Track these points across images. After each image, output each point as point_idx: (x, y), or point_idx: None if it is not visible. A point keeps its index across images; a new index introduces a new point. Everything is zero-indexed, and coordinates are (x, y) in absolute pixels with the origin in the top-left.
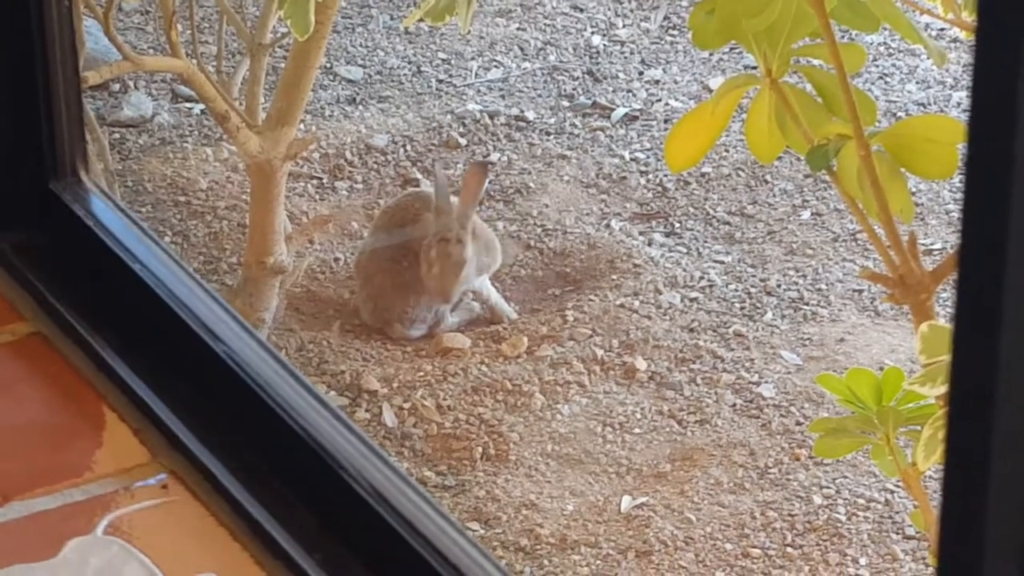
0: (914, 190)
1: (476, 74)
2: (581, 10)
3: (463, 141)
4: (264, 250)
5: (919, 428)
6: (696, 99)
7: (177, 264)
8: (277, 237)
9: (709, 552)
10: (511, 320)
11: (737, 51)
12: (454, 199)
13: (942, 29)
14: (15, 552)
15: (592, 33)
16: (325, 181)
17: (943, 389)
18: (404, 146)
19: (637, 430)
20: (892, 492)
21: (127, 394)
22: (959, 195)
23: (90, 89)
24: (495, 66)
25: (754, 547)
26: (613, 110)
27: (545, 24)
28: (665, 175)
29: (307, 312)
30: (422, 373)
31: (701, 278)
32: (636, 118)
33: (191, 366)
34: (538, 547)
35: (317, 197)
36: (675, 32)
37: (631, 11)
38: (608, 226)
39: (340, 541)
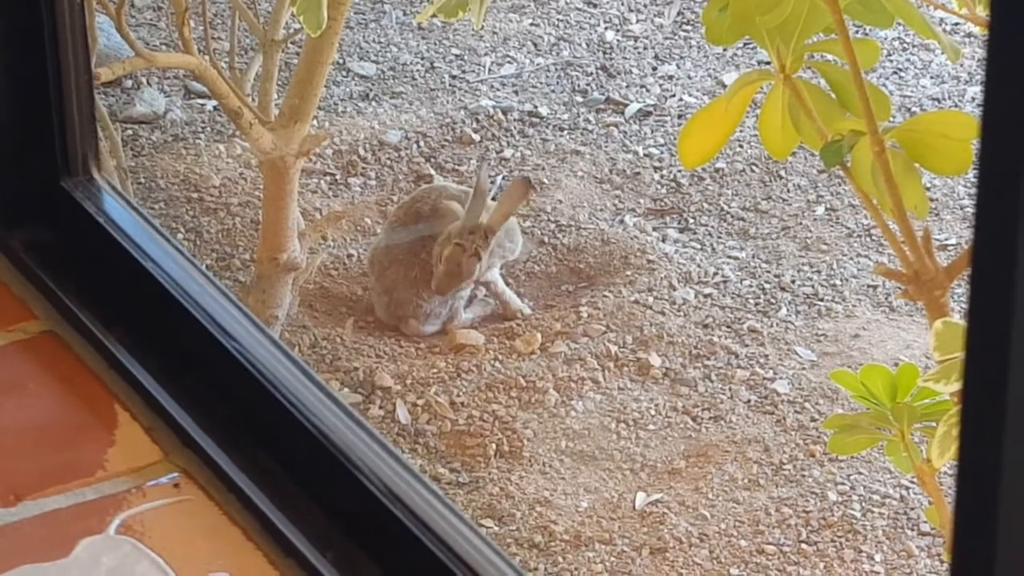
0: (929, 185)
1: (489, 70)
2: (594, 5)
3: (476, 137)
4: (277, 247)
5: (934, 424)
6: (710, 94)
7: (189, 262)
8: (290, 234)
9: (724, 548)
10: (525, 316)
11: (751, 46)
12: (491, 203)
13: (956, 24)
14: (27, 552)
15: (605, 28)
16: (338, 177)
17: (957, 386)
18: (417, 142)
19: (651, 426)
20: (907, 488)
21: (139, 392)
22: (974, 188)
23: (103, 86)
24: (508, 62)
25: (769, 543)
26: (627, 105)
27: (558, 19)
28: (679, 171)
29: (320, 309)
30: (436, 370)
31: (715, 274)
32: (650, 113)
33: (203, 364)
34: (552, 544)
35: (330, 193)
36: (689, 27)
37: (644, 6)
38: (622, 222)
39: (352, 539)
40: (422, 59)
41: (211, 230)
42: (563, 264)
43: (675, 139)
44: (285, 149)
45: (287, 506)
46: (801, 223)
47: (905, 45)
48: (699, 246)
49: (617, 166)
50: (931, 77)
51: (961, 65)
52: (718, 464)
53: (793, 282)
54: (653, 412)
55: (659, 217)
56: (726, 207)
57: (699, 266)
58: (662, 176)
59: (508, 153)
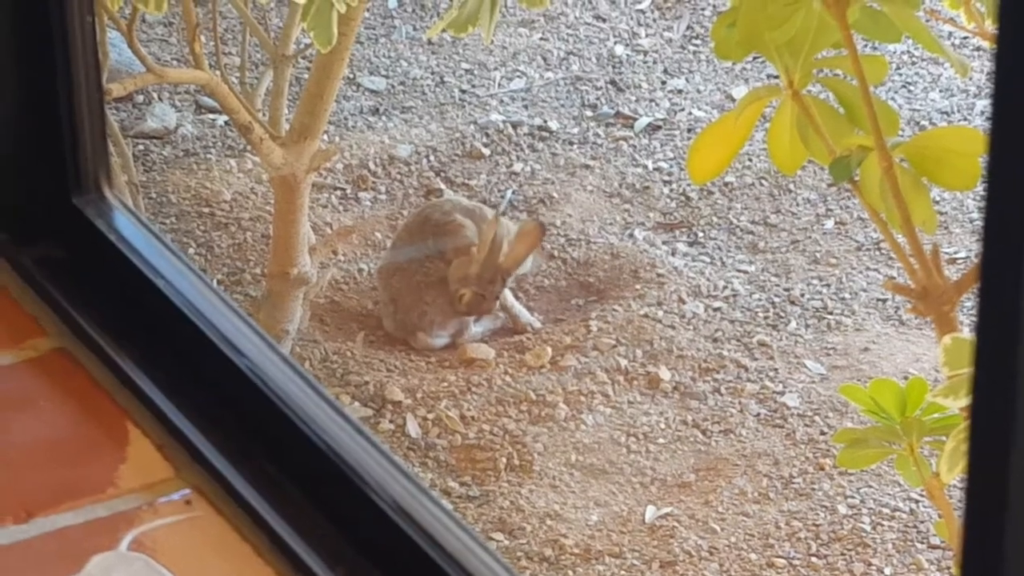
0: (938, 198)
1: (499, 84)
2: (604, 20)
3: (486, 151)
4: (288, 261)
5: (943, 439)
6: (719, 108)
7: (200, 279)
8: (301, 248)
9: (734, 562)
10: (535, 330)
11: (760, 60)
12: (505, 247)
13: (965, 38)
14: (38, 569)
15: (615, 43)
16: (348, 192)
17: (966, 401)
18: (427, 156)
19: (661, 440)
20: (917, 502)
21: (150, 409)
22: (982, 204)
23: (114, 101)
24: (518, 76)
25: (779, 557)
26: (636, 120)
27: (568, 34)
28: (688, 184)
29: (331, 323)
30: (446, 384)
31: (725, 288)
32: (659, 128)
33: (214, 381)
34: (562, 557)
35: (341, 208)
36: (698, 41)
37: (654, 21)
38: (631, 236)
39: (362, 555)
40: (432, 74)
41: (222, 245)
42: (573, 278)
43: (684, 153)
44: (296, 164)
45: (297, 523)
46: (810, 237)
47: (914, 59)
48: (708, 260)
49: (627, 180)
50: (940, 91)
51: (970, 79)
52: (728, 478)
53: (802, 296)
54: (663, 426)
55: (669, 231)
56: (735, 221)
57: (708, 280)
58: (671, 190)
59: (518, 167)
